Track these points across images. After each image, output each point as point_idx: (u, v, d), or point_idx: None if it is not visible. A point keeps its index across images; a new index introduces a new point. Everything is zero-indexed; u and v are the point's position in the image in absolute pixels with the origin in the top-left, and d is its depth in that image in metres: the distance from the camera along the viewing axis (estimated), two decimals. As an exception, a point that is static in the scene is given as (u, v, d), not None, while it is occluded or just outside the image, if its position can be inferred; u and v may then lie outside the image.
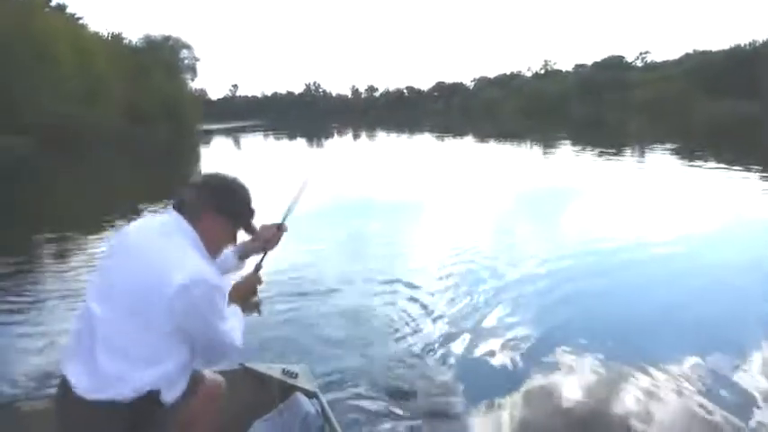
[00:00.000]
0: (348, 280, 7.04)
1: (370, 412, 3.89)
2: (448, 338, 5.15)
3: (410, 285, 6.74)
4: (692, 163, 17.77)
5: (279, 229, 2.31)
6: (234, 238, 2.07)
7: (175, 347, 1.82)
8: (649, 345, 4.91)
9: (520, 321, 5.55)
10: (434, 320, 5.63)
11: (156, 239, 1.85)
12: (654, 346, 4.87)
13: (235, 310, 2.10)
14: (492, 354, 4.83)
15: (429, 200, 13.42)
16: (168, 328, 1.77)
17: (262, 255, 2.32)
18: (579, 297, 6.25)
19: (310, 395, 3.03)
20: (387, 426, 3.72)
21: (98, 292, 1.84)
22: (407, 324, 5.53)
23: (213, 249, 1.94)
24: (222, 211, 1.96)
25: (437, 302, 6.13)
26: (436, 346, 5.01)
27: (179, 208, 1.93)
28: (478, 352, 4.89)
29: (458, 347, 4.97)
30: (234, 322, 1.99)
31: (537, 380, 4.37)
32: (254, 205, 2.09)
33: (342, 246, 9.11)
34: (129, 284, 1.78)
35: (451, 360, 4.73)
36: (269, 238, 2.28)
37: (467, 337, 5.20)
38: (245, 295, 2.21)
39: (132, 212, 12.29)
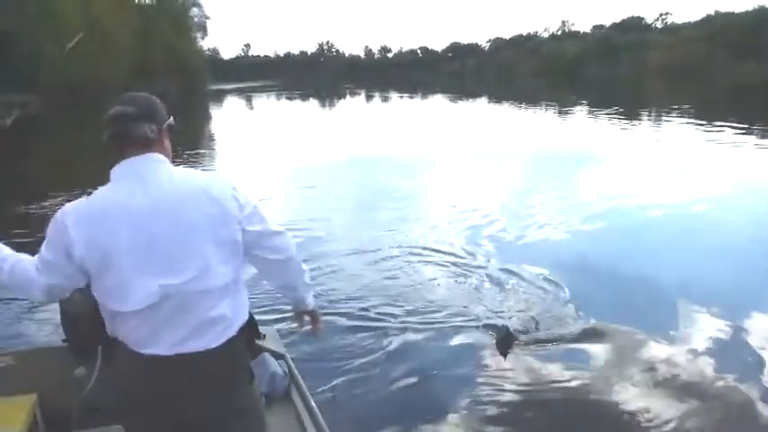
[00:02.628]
0: (344, 238, 6.98)
1: (339, 375, 3.87)
2: (426, 303, 5.07)
3: (405, 247, 6.61)
4: (710, 127, 17.32)
5: None
6: None
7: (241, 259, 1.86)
8: (663, 306, 4.84)
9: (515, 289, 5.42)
10: (426, 285, 5.52)
11: (158, 187, 1.71)
12: (669, 307, 4.80)
13: None
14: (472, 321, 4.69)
15: (439, 162, 13.24)
16: (239, 237, 1.79)
17: None
18: (591, 260, 6.14)
19: (277, 356, 3.02)
20: (356, 388, 3.72)
21: (152, 268, 1.67)
22: (397, 286, 5.46)
23: None
24: (168, 128, 1.89)
25: (431, 265, 6.02)
26: (416, 309, 4.95)
27: (141, 147, 1.75)
28: (463, 315, 4.78)
29: (433, 312, 4.88)
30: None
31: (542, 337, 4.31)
32: None
33: (349, 209, 8.96)
34: (194, 238, 1.70)
35: (421, 321, 4.67)
36: None
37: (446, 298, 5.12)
38: None
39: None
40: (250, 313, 1.92)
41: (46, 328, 4.41)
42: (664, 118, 21.90)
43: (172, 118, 1.91)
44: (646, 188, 9.33)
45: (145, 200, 1.68)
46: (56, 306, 2.71)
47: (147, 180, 1.72)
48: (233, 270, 1.80)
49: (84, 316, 2.62)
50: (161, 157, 1.79)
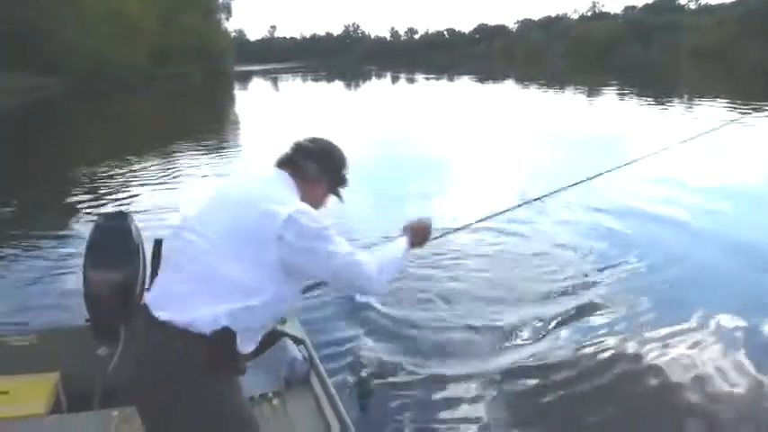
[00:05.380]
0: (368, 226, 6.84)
1: (359, 360, 3.83)
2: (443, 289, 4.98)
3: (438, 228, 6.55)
4: (744, 113, 16.81)
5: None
6: (324, 204, 2.14)
7: (267, 283, 1.79)
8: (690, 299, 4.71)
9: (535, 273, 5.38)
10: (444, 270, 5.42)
11: (260, 183, 1.95)
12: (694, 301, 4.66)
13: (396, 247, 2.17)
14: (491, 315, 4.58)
15: (464, 148, 13.10)
16: (273, 258, 1.76)
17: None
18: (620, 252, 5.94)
19: (298, 341, 3.01)
20: (376, 374, 3.64)
21: (193, 225, 1.87)
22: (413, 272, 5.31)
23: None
24: (332, 180, 2.09)
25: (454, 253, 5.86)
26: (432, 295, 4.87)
27: (283, 165, 2.02)
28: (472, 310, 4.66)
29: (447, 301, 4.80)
30: (366, 257, 1.95)
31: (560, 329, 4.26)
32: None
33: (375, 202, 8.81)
34: (231, 218, 1.82)
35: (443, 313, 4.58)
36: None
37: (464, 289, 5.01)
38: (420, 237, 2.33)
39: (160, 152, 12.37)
40: (232, 335, 1.73)
41: (71, 308, 4.41)
42: (698, 104, 21.22)
43: (342, 190, 2.14)
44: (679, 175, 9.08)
45: (233, 185, 2.03)
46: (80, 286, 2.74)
47: (250, 176, 2.06)
48: (249, 276, 1.77)
49: (103, 297, 2.65)
50: (285, 177, 1.96)
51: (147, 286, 2.73)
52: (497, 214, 3.37)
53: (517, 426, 3.23)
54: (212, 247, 1.78)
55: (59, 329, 3.25)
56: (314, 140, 2.09)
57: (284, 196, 1.87)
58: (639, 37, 76.68)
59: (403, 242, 2.21)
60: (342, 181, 2.14)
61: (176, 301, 1.76)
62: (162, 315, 1.75)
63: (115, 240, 2.74)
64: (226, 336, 1.73)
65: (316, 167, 2.01)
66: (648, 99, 22.54)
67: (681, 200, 7.80)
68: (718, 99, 20.59)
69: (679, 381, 3.55)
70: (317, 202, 2.03)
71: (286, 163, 2.02)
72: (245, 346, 1.82)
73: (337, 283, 1.98)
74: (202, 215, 1.89)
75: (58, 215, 7.80)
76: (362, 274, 1.91)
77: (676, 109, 19.41)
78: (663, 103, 20.83)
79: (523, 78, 41.77)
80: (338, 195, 2.16)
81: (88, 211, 7.99)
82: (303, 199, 1.93)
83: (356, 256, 1.90)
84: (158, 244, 2.75)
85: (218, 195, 1.96)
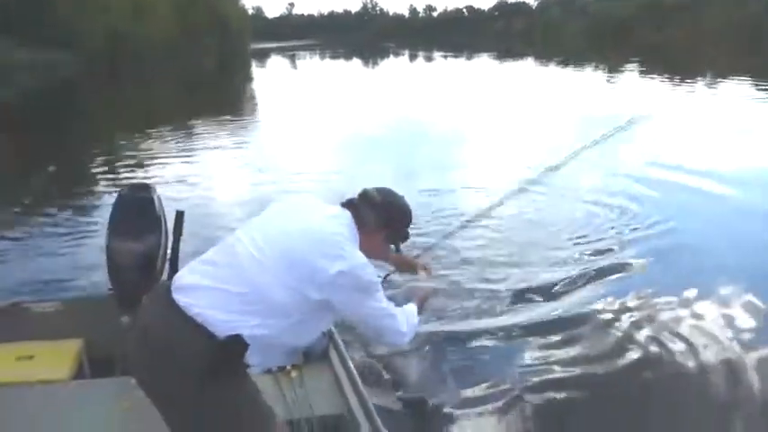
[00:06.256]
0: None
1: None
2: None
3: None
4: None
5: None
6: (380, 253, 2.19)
7: (297, 310, 1.80)
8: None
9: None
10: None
11: (325, 220, 1.92)
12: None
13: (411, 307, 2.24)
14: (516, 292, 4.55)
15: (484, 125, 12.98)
16: (315, 295, 1.78)
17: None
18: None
19: None
20: (394, 350, 3.59)
21: (252, 233, 1.88)
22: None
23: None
24: (391, 233, 2.09)
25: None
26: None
27: (347, 206, 2.02)
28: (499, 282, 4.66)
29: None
30: (399, 313, 2.04)
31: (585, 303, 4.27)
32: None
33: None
34: (291, 244, 1.82)
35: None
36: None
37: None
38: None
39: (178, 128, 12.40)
40: (244, 346, 1.72)
41: (94, 277, 4.48)
42: (719, 84, 20.83)
43: (400, 245, 2.17)
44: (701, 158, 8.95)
45: (303, 209, 1.98)
46: (103, 256, 2.78)
47: (319, 207, 1.99)
48: (283, 298, 1.76)
49: (126, 267, 2.70)
50: (348, 220, 1.95)
51: (168, 256, 2.77)
52: (508, 197, 3.39)
53: (534, 398, 3.25)
54: (261, 259, 1.79)
55: (83, 298, 3.33)
56: (381, 192, 2.08)
57: (345, 242, 1.87)
58: (661, 15, 75.08)
59: (414, 308, 2.26)
60: (401, 236, 2.15)
61: (202, 293, 1.75)
62: (182, 300, 1.74)
63: (138, 211, 2.76)
64: (237, 344, 1.71)
65: (376, 218, 2.01)
66: (666, 81, 22.13)
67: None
68: (741, 78, 20.21)
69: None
70: (373, 251, 2.04)
71: (350, 206, 2.03)
72: (254, 357, 1.78)
73: (368, 331, 2.07)
74: (266, 226, 1.92)
75: (83, 187, 7.88)
76: (397, 331, 2.01)
77: (696, 90, 19.09)
78: (683, 85, 20.48)
79: (542, 57, 41.22)
80: (397, 247, 2.19)
81: (112, 182, 8.07)
82: (361, 244, 1.95)
83: (393, 312, 1.99)
84: (180, 215, 2.78)
85: (284, 214, 1.98)
